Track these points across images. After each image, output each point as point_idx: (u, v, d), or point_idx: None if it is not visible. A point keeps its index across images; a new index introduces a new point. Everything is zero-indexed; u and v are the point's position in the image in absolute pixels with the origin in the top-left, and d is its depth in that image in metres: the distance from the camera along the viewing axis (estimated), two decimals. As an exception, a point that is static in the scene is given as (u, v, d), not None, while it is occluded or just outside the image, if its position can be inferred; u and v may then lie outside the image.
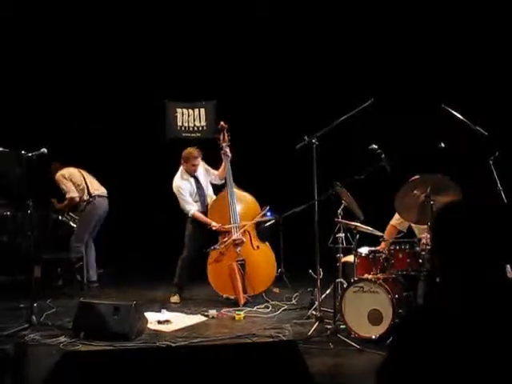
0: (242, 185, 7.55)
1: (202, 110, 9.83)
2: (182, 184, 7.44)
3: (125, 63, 9.25)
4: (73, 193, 8.01)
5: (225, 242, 7.26)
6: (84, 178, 8.12)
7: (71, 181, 8.05)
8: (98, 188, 8.16)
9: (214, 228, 7.29)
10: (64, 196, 8.05)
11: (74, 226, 8.22)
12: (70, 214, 8.26)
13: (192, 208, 7.42)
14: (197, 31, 9.12)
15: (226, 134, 7.53)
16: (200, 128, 9.83)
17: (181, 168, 7.50)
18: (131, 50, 9.21)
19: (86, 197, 8.10)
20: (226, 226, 7.31)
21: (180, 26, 9.15)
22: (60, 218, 8.23)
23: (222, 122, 7.63)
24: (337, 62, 8.89)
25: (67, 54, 9.09)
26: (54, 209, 8.21)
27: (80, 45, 9.07)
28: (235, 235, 7.28)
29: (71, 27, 8.98)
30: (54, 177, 8.06)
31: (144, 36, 9.13)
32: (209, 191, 7.65)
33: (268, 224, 7.27)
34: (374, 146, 6.08)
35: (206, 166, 7.62)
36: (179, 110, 9.84)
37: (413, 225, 6.38)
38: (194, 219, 7.42)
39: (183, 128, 9.84)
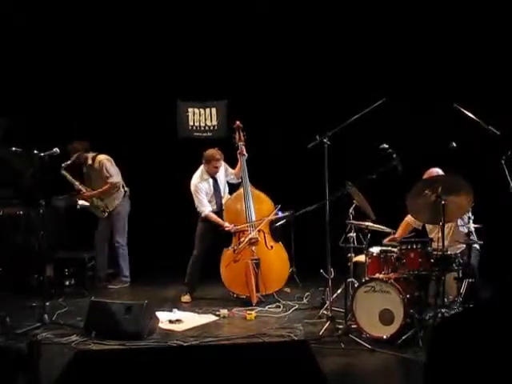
0: (254, 184, 7.55)
1: (214, 110, 9.82)
2: (199, 184, 7.46)
3: (136, 63, 9.26)
4: (117, 177, 8.10)
5: (242, 241, 7.27)
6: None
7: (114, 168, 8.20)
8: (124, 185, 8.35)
9: (227, 229, 7.31)
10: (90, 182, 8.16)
11: (102, 213, 8.20)
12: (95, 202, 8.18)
13: (206, 209, 7.43)
14: (208, 31, 9.12)
15: (241, 134, 7.59)
16: (211, 127, 9.83)
17: (201, 167, 7.52)
18: (143, 50, 9.22)
19: (121, 189, 8.20)
20: (240, 227, 7.33)
21: (192, 26, 9.15)
22: (79, 205, 8.07)
23: (237, 122, 7.68)
24: (348, 61, 8.86)
25: (80, 53, 9.11)
26: (81, 197, 8.12)
27: (92, 44, 9.09)
28: (251, 234, 7.30)
29: (83, 27, 8.99)
30: (76, 155, 8.03)
31: (155, 36, 9.13)
32: (225, 191, 7.68)
33: (280, 223, 7.28)
34: (385, 146, 6.07)
35: (226, 165, 7.65)
36: (190, 110, 9.84)
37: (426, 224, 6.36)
38: (206, 219, 7.44)
39: (194, 127, 9.84)
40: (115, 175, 8.13)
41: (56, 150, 6.66)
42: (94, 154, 8.21)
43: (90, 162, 8.19)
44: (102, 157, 8.18)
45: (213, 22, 9.11)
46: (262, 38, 9.03)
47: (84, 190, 8.11)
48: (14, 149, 7.03)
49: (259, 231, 7.37)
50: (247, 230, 7.34)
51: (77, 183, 8.09)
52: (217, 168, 7.45)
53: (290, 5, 8.93)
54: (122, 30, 9.02)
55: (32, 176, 7.53)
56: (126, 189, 8.29)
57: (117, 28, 8.99)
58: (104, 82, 9.17)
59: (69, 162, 7.86)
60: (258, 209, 7.44)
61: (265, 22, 9.01)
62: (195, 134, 9.81)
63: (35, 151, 6.58)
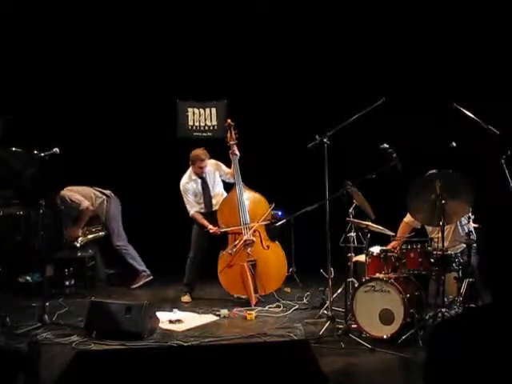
0: (254, 184, 7.53)
1: (213, 110, 9.82)
2: (187, 184, 7.49)
3: (136, 63, 9.26)
4: (85, 202, 7.99)
5: (236, 244, 7.26)
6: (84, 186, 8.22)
7: (78, 193, 8.11)
8: (104, 189, 8.28)
9: (211, 231, 7.30)
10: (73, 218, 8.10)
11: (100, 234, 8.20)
12: (88, 230, 8.11)
13: (192, 209, 7.46)
14: (208, 31, 9.12)
15: (232, 132, 7.47)
16: (211, 127, 9.83)
17: (190, 168, 7.53)
18: (143, 50, 9.22)
19: (99, 199, 8.15)
20: (223, 230, 7.30)
21: (191, 26, 9.16)
22: (79, 244, 7.94)
23: (228, 120, 7.61)
24: (348, 61, 8.87)
25: (80, 53, 9.10)
26: (71, 239, 7.94)
27: (92, 45, 9.09)
28: (246, 236, 7.29)
29: (83, 28, 8.99)
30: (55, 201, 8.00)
31: (155, 36, 9.13)
32: (217, 190, 7.62)
33: (279, 224, 7.26)
34: (385, 146, 6.06)
35: (220, 165, 7.60)
36: (190, 110, 9.84)
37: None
38: (193, 219, 7.47)
39: (194, 127, 9.84)
40: (82, 200, 7.99)
41: (56, 149, 6.66)
42: (56, 194, 8.07)
43: (58, 201, 8.09)
44: (62, 192, 8.04)
45: (212, 22, 9.11)
46: (262, 38, 9.03)
47: (72, 232, 8.08)
48: (13, 149, 7.02)
49: (254, 232, 7.33)
50: (241, 232, 7.30)
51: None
52: (202, 168, 7.41)
53: (289, 5, 8.93)
54: (122, 31, 9.02)
55: (32, 176, 7.53)
56: (106, 192, 8.25)
57: (117, 28, 8.98)
58: (104, 82, 9.16)
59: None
60: (252, 209, 7.39)
61: (264, 21, 9.01)
62: (195, 133, 9.81)
63: (35, 151, 6.58)
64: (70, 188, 8.13)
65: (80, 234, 7.96)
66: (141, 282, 8.18)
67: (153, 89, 9.31)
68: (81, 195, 8.05)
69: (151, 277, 8.25)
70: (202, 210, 7.53)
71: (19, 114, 8.49)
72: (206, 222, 7.38)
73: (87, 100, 9.18)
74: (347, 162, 7.81)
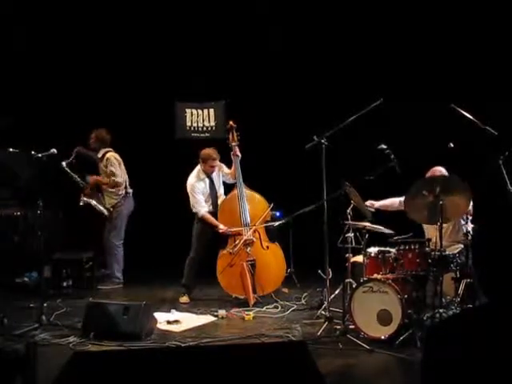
0: (252, 184, 7.54)
1: (212, 111, 9.83)
2: (196, 183, 7.46)
3: (134, 64, 9.26)
4: (120, 178, 8.10)
5: (237, 244, 7.25)
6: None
7: (121, 168, 8.17)
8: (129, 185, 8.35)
9: (220, 231, 7.29)
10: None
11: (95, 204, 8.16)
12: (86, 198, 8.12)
13: (202, 209, 7.43)
14: (206, 31, 9.13)
15: (234, 134, 7.53)
16: (209, 128, 9.84)
17: (198, 167, 7.52)
18: (141, 51, 9.23)
19: (122, 191, 8.17)
20: (233, 229, 7.31)
21: (190, 26, 9.16)
22: (84, 201, 7.95)
23: (230, 122, 7.65)
24: (346, 62, 8.88)
25: (79, 54, 9.11)
26: (86, 186, 8.05)
27: (91, 46, 9.10)
28: (246, 235, 7.29)
29: (83, 29, 9.00)
30: (94, 143, 8.19)
31: (154, 36, 9.14)
32: (221, 190, 7.66)
33: (277, 224, 7.26)
34: (383, 146, 6.06)
35: (221, 166, 7.62)
36: (188, 111, 9.84)
37: (423, 224, 6.34)
38: (202, 219, 7.44)
39: (192, 128, 9.85)
40: (118, 176, 8.09)
41: (54, 150, 6.65)
42: (106, 150, 8.20)
43: (99, 155, 8.18)
44: (110, 155, 8.18)
45: (211, 23, 9.11)
46: (261, 39, 9.04)
47: (87, 184, 8.09)
48: (11, 150, 7.02)
49: (254, 231, 7.35)
50: (242, 232, 7.32)
51: (78, 178, 8.04)
52: (213, 167, 7.44)
53: (289, 6, 8.93)
54: (121, 32, 9.03)
55: (30, 177, 7.53)
56: (128, 190, 8.27)
57: (116, 30, 8.99)
58: (102, 83, 9.16)
59: (70, 160, 7.82)
60: (252, 209, 7.41)
61: (263, 22, 9.01)
62: (193, 134, 9.81)
63: (33, 152, 6.58)
64: (117, 157, 8.21)
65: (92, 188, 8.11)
66: (110, 286, 8.16)
67: (151, 90, 9.32)
68: (119, 172, 8.15)
69: (121, 285, 8.25)
70: (209, 209, 7.53)
71: (18, 115, 8.51)
72: (216, 222, 7.38)
73: (86, 101, 9.18)
74: (345, 163, 7.81)
